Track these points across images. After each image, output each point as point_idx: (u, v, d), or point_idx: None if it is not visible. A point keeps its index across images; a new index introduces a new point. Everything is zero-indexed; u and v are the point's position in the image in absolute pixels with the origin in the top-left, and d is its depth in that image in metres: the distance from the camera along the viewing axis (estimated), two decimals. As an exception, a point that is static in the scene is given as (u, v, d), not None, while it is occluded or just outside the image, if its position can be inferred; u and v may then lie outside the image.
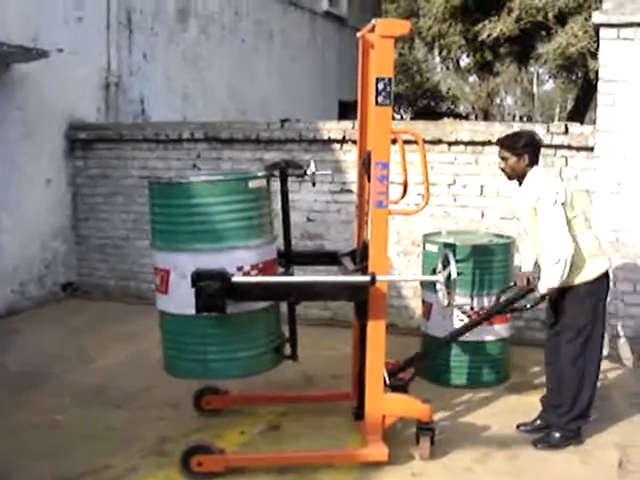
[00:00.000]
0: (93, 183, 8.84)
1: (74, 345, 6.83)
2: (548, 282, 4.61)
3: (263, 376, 5.81)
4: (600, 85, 6.48)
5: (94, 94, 9.13)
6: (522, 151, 4.67)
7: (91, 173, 8.84)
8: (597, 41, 6.61)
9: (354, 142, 6.98)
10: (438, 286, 4.75)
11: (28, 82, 8.06)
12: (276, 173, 4.93)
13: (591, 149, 6.58)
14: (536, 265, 5.04)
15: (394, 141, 4.75)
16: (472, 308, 5.77)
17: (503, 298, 5.37)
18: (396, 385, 4.99)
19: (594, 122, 6.64)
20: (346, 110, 14.93)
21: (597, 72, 6.64)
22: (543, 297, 4.80)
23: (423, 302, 6.15)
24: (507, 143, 4.75)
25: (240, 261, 4.29)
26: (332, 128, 7.59)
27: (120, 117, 9.45)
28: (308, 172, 5.05)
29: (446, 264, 4.62)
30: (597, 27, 6.54)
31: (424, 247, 6.12)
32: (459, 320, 5.77)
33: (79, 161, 8.87)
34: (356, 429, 4.88)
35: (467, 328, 5.42)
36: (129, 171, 8.62)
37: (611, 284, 4.96)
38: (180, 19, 10.87)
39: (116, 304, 8.44)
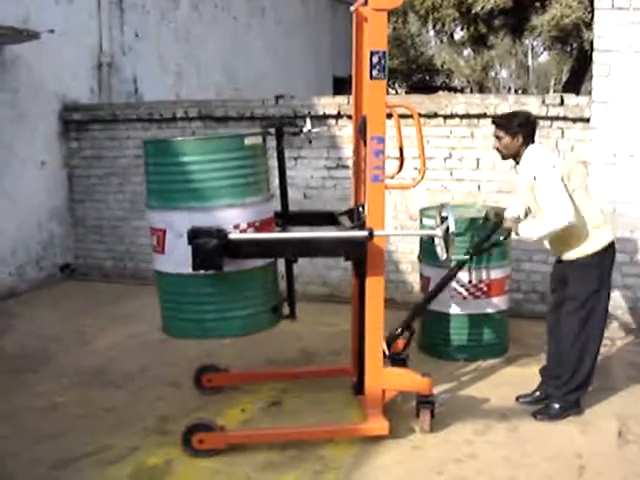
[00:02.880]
0: (88, 164, 8.81)
1: (72, 327, 6.84)
2: (530, 231, 4.69)
3: (262, 353, 5.86)
4: (595, 55, 6.44)
5: (87, 74, 9.07)
6: (516, 130, 4.66)
7: (86, 154, 8.80)
8: (591, 11, 6.58)
9: (349, 117, 6.96)
10: (436, 240, 4.72)
11: (20, 64, 8.00)
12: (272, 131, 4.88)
13: (587, 120, 6.55)
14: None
15: (389, 115, 4.72)
16: (470, 281, 5.77)
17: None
18: (396, 359, 5.01)
19: (590, 93, 6.61)
20: (341, 86, 14.85)
21: (592, 43, 6.61)
22: (507, 235, 4.97)
23: (421, 276, 6.15)
24: (501, 122, 4.76)
25: (237, 219, 4.25)
26: (327, 103, 7.55)
27: (113, 97, 9.38)
28: (304, 130, 5.01)
29: (444, 218, 4.61)
30: (591, -4, 6.50)
31: (421, 221, 6.11)
32: (457, 294, 5.77)
33: (73, 142, 8.83)
34: (356, 404, 4.89)
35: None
36: (123, 151, 8.59)
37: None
38: (171, -3, 10.79)
39: (114, 285, 8.44)
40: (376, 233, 4.30)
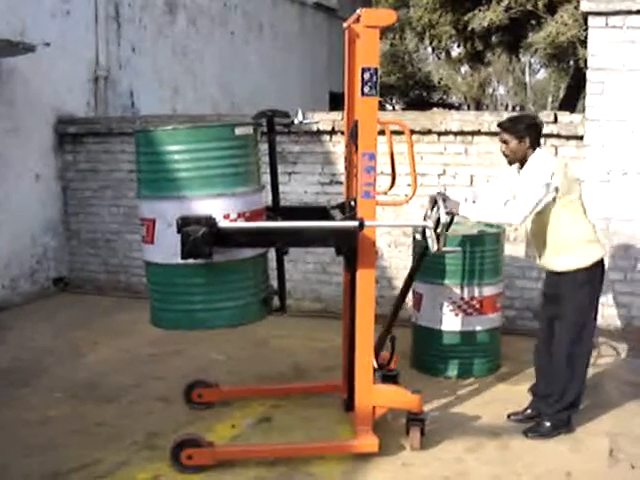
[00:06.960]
0: (83, 177, 8.81)
1: (66, 340, 6.82)
2: (474, 212, 4.62)
3: (254, 369, 5.85)
4: (589, 73, 6.47)
5: (83, 88, 9.10)
6: (523, 134, 4.63)
7: (81, 167, 8.81)
8: (586, 29, 6.59)
9: (343, 133, 6.96)
10: (428, 232, 4.69)
11: (15, 76, 8.01)
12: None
13: (580, 138, 6.57)
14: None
15: (382, 132, 4.73)
16: (462, 298, 5.76)
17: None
18: (386, 376, 5.00)
19: (583, 110, 6.63)
20: (337, 101, 14.88)
21: (586, 60, 6.63)
22: (451, 216, 4.62)
23: (414, 293, 6.13)
24: (508, 126, 4.71)
25: (227, 208, 4.23)
26: (321, 119, 7.56)
27: (109, 111, 9.41)
28: (295, 121, 4.98)
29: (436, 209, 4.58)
30: (586, 15, 6.52)
31: (414, 237, 6.11)
32: (449, 310, 5.77)
33: (68, 155, 8.84)
34: (347, 420, 4.88)
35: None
36: (118, 165, 8.59)
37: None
38: (169, 11, 10.83)
39: (107, 298, 8.42)
40: (367, 223, 4.30)
